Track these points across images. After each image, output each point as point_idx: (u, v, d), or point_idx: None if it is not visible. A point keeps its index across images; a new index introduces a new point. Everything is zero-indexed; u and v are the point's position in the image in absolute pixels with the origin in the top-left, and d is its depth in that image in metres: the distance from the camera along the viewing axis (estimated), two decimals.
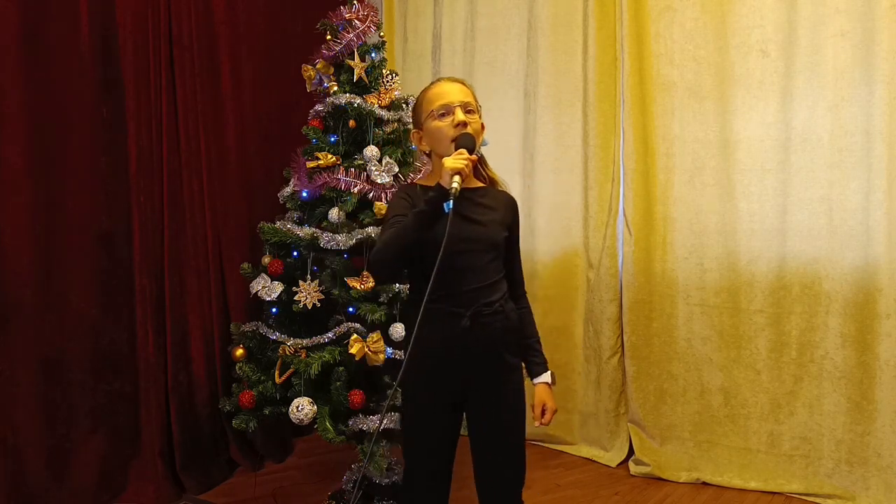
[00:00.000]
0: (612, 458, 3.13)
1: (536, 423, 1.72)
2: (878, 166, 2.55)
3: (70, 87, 2.50)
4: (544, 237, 3.35)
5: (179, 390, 2.82)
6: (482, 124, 1.71)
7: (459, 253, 1.58)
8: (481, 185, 1.76)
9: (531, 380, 1.77)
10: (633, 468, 3.03)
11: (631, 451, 3.11)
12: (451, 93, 1.65)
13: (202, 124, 2.92)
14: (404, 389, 1.74)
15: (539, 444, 3.35)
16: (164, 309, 2.80)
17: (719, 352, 2.93)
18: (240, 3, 3.13)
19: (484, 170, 1.79)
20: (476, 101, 1.71)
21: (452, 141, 1.61)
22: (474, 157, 1.56)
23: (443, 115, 1.64)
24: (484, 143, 1.76)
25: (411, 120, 2.57)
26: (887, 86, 2.51)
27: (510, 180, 3.34)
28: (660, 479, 2.94)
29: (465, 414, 1.73)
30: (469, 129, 1.62)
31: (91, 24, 2.56)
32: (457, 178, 1.47)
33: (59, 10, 2.46)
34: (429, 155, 1.75)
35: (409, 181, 2.44)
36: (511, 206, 1.76)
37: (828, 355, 2.69)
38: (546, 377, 1.75)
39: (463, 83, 1.70)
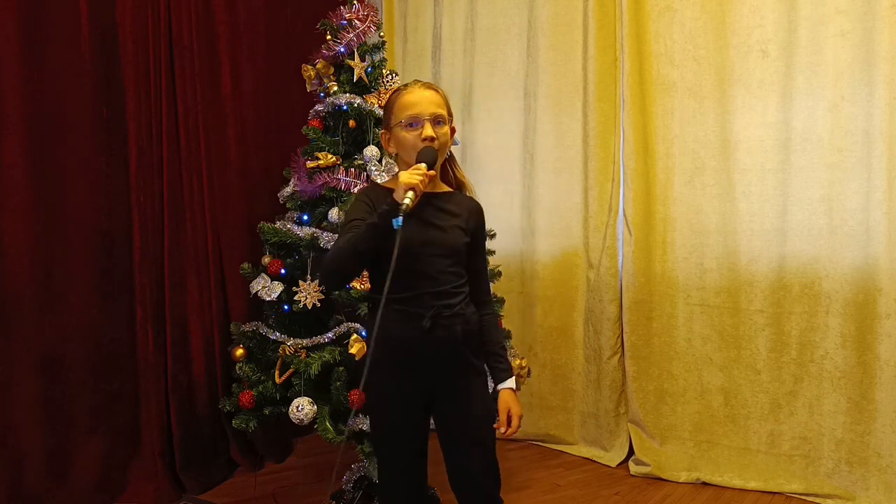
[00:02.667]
0: (612, 458, 3.13)
1: (502, 430, 1.67)
2: (878, 166, 2.55)
3: (70, 87, 2.50)
4: (544, 237, 3.35)
5: (179, 390, 2.82)
6: (452, 128, 1.69)
7: (419, 257, 1.59)
8: (448, 189, 1.73)
9: (495, 386, 1.73)
10: (633, 468, 3.03)
11: (631, 451, 3.11)
12: (421, 104, 1.61)
13: (202, 124, 2.92)
14: (371, 390, 1.69)
15: (539, 444, 3.35)
16: (164, 309, 2.80)
17: (719, 352, 2.93)
18: (240, 3, 3.13)
19: (454, 172, 1.77)
20: (448, 109, 1.67)
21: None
22: (432, 172, 1.54)
23: (411, 125, 1.60)
24: (455, 143, 1.74)
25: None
26: (887, 86, 2.51)
27: (510, 180, 3.40)
28: (660, 479, 2.94)
29: (432, 416, 1.71)
30: (435, 144, 1.59)
31: (91, 24, 2.56)
32: (410, 193, 1.45)
33: (59, 10, 2.46)
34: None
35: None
36: (475, 212, 1.73)
37: (828, 355, 2.69)
38: (510, 383, 1.71)
39: (436, 90, 1.66)
